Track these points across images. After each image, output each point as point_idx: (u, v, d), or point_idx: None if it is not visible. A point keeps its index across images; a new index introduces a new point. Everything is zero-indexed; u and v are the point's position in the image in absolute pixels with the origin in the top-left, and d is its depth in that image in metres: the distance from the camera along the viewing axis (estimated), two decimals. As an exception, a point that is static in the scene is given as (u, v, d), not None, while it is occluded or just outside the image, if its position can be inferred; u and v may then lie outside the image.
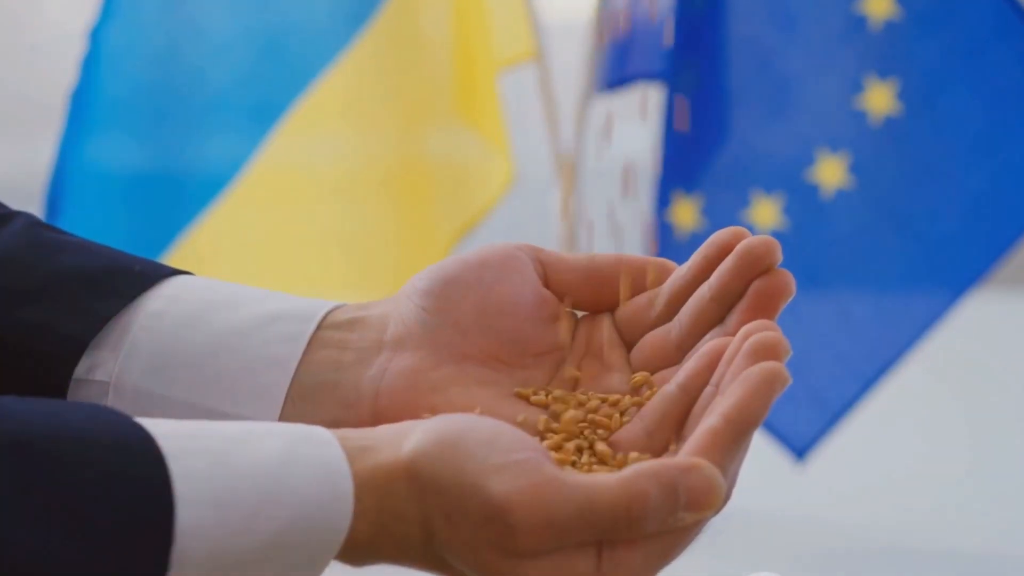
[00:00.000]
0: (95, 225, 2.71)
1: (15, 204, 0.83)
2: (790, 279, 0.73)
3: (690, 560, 0.74)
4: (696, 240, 2.69)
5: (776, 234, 2.84)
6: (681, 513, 0.65)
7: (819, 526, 3.37)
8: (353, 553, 0.67)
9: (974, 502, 3.59)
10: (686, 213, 2.87)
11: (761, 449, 2.92)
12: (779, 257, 0.73)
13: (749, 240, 0.73)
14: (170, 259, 2.70)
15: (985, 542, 3.28)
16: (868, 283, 2.88)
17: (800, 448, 2.88)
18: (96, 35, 2.72)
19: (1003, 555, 3.20)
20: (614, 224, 2.69)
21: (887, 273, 2.87)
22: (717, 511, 0.66)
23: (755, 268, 0.73)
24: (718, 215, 2.84)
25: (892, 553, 3.23)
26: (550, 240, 2.91)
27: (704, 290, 0.74)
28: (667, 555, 0.67)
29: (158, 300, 0.78)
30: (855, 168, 2.85)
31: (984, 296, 3.31)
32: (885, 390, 2.95)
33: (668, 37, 2.80)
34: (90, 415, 0.65)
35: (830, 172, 2.85)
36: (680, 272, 0.76)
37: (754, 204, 2.86)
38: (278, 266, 2.81)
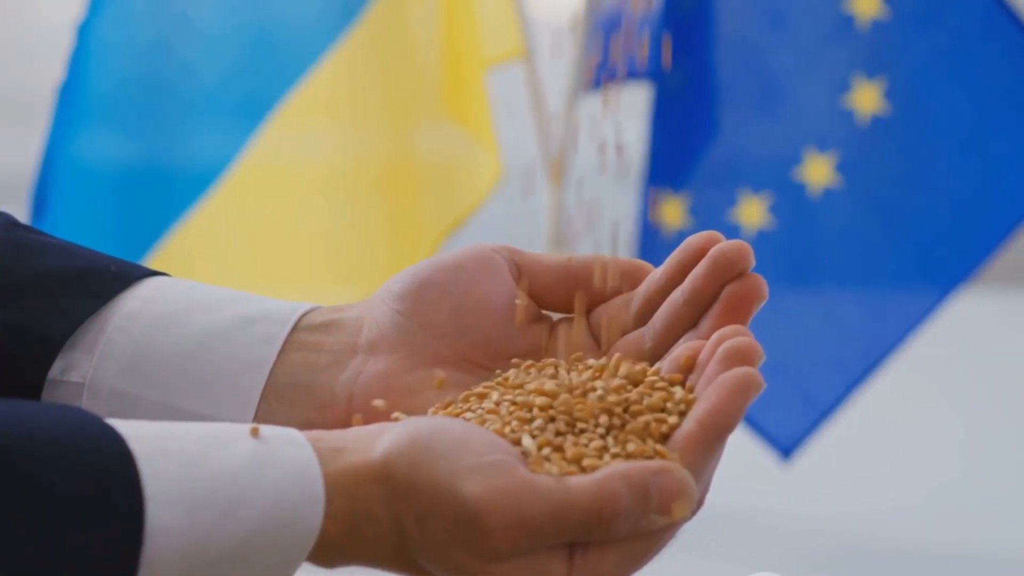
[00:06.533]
0: (83, 221, 2.70)
1: (2, 199, 0.83)
2: (762, 283, 0.73)
3: (679, 556, 0.75)
4: (683, 239, 2.69)
5: (763, 233, 2.84)
6: (653, 516, 0.65)
7: (806, 524, 3.37)
8: (325, 554, 0.67)
9: (962, 499, 3.60)
10: (673, 212, 2.87)
11: (749, 448, 2.92)
12: (752, 262, 0.73)
13: (722, 245, 0.73)
14: (158, 255, 2.70)
15: (973, 539, 3.28)
16: (855, 282, 2.88)
17: (787, 446, 2.88)
18: (84, 30, 2.72)
19: (991, 552, 3.21)
20: (601, 222, 2.68)
21: (874, 272, 2.86)
22: (690, 515, 0.67)
23: (728, 272, 0.73)
24: (705, 214, 2.84)
25: (880, 550, 3.23)
26: (538, 237, 2.91)
27: (678, 294, 0.74)
28: (640, 558, 0.67)
29: (133, 301, 0.77)
30: (842, 167, 2.84)
31: (972, 295, 3.31)
32: (873, 388, 2.95)
33: (644, 49, 2.79)
34: (61, 416, 0.65)
35: (817, 171, 2.85)
36: (654, 276, 0.76)
37: (741, 203, 2.86)
38: (266, 262, 2.80)
